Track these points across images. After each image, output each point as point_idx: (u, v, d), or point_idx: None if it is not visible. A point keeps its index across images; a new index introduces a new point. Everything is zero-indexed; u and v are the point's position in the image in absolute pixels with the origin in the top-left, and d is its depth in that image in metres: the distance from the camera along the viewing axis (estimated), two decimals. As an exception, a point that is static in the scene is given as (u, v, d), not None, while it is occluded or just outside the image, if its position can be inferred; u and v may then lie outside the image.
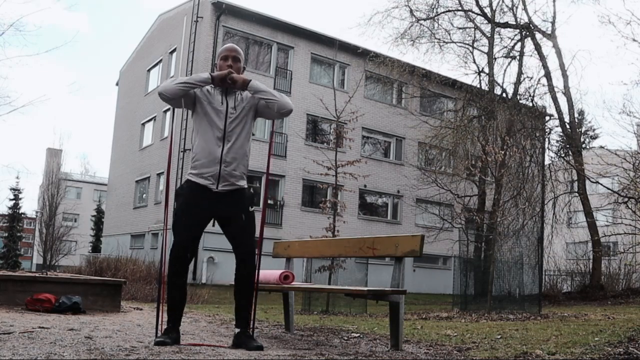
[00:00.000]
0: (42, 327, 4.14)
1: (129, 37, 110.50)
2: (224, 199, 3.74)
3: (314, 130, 25.59)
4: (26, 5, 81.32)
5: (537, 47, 20.57)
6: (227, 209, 3.75)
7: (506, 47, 21.74)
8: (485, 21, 21.61)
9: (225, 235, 3.81)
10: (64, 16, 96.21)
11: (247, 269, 3.74)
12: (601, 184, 18.65)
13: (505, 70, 27.60)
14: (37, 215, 45.72)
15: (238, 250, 3.75)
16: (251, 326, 3.78)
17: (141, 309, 6.99)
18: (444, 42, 21.94)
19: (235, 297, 3.77)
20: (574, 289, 19.10)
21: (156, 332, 3.73)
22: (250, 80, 3.79)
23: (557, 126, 21.08)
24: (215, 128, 3.74)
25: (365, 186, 24.50)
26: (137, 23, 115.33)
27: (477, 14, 21.66)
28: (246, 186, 3.86)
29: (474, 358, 3.62)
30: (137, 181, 27.59)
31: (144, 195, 26.97)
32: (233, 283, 3.81)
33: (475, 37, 22.05)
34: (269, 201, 22.84)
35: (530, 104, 20.36)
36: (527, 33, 20.93)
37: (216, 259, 21.08)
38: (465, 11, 21.88)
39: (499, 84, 21.29)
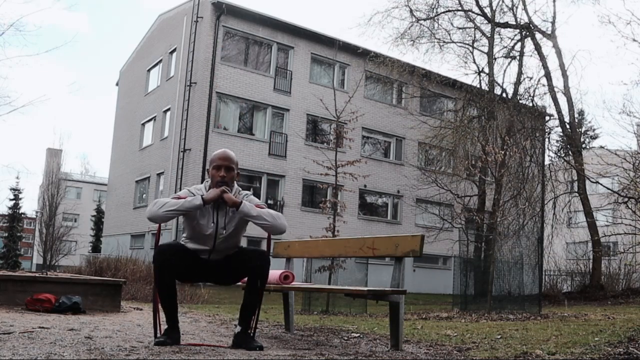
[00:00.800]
0: (42, 327, 4.14)
1: (129, 37, 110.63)
2: (217, 261, 3.81)
3: (314, 130, 25.59)
4: (26, 5, 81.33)
5: (537, 47, 20.58)
6: (219, 270, 3.83)
7: (506, 47, 21.76)
8: (485, 21, 21.62)
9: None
10: (64, 16, 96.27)
11: (263, 270, 3.72)
12: (601, 184, 18.65)
13: (505, 70, 27.64)
14: (37, 215, 45.72)
15: (249, 256, 3.77)
16: (252, 327, 3.78)
17: (141, 309, 6.98)
18: (444, 42, 21.95)
19: (244, 295, 3.76)
20: (574, 289, 19.10)
21: (155, 332, 3.73)
22: (242, 204, 3.69)
23: (557, 126, 21.10)
24: (206, 237, 3.75)
25: (365, 186, 24.49)
26: (137, 23, 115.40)
27: (477, 14, 21.67)
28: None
29: (474, 358, 3.62)
30: (137, 181, 27.58)
31: (144, 195, 26.97)
32: (238, 283, 3.82)
33: (475, 37, 22.06)
34: (269, 201, 22.84)
35: (530, 104, 20.36)
36: (527, 33, 20.93)
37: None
38: (465, 11, 21.88)
39: (499, 84, 21.30)
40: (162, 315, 3.75)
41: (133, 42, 75.66)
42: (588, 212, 19.38)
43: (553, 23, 20.87)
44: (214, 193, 3.67)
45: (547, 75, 20.24)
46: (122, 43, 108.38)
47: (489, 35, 21.42)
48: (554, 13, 22.90)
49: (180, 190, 4.00)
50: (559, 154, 22.17)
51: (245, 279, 3.78)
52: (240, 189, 3.91)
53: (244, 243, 4.22)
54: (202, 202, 3.64)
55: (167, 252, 3.65)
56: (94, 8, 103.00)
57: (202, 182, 4.13)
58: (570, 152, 20.98)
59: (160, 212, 3.60)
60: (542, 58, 20.40)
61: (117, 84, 33.03)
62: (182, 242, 3.85)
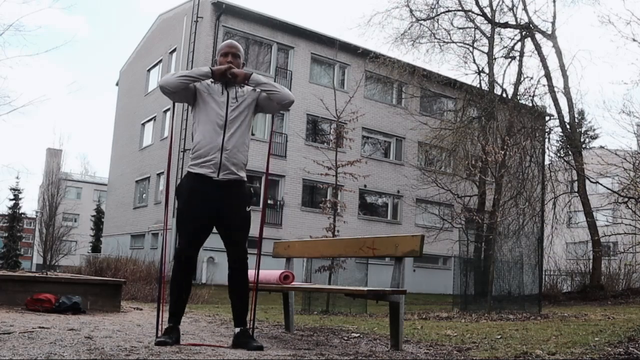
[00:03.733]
0: (42, 327, 4.14)
1: (128, 37, 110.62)
2: (225, 190, 3.72)
3: (314, 130, 25.59)
4: (26, 5, 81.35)
5: (537, 47, 20.57)
6: (227, 200, 3.72)
7: (506, 47, 21.74)
8: (485, 21, 21.61)
9: (219, 231, 3.80)
10: (62, 19, 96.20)
11: (242, 269, 3.75)
12: (601, 184, 18.65)
13: (505, 71, 27.68)
14: (37, 215, 45.72)
15: (232, 249, 3.77)
16: (251, 325, 3.78)
17: (141, 309, 6.99)
18: (444, 42, 21.94)
19: (230, 298, 3.79)
20: (574, 289, 19.09)
21: (156, 332, 3.73)
22: (252, 73, 3.81)
23: (557, 126, 21.08)
24: (216, 116, 3.74)
25: (365, 186, 24.49)
26: (136, 24, 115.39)
27: (477, 14, 21.66)
28: (246, 179, 3.85)
29: (474, 358, 3.62)
30: (137, 181, 27.59)
31: (144, 195, 26.97)
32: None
33: (475, 37, 22.05)
34: (269, 201, 22.83)
35: (530, 104, 20.35)
36: (527, 33, 20.93)
37: (216, 259, 21.06)
38: (465, 11, 21.87)
39: (499, 84, 21.29)
40: (162, 315, 3.75)
41: (132, 43, 75.74)
42: (588, 212, 19.38)
43: (553, 23, 20.87)
44: (222, 67, 3.77)
45: (547, 75, 20.23)
46: (122, 44, 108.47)
47: (489, 36, 21.41)
48: (554, 13, 22.88)
49: None
50: (559, 154, 22.16)
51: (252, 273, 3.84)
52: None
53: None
54: (211, 71, 3.74)
55: (191, 249, 3.72)
56: (91, 11, 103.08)
57: None
58: (570, 152, 20.97)
59: (172, 78, 3.71)
60: (542, 58, 20.40)
61: (117, 84, 33.04)
62: (189, 168, 3.78)
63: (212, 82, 3.82)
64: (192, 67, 22.77)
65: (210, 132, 3.73)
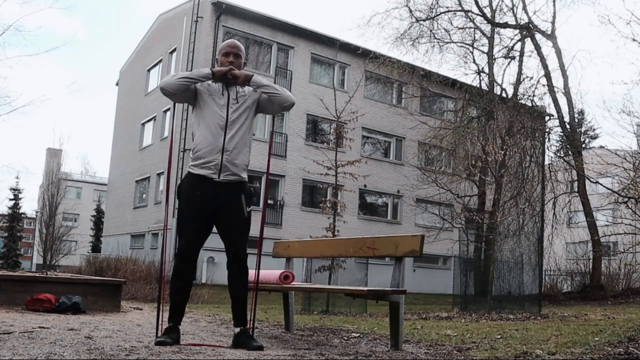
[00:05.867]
0: (42, 327, 4.14)
1: (128, 38, 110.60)
2: (225, 191, 3.71)
3: (314, 130, 25.59)
4: (26, 5, 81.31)
5: (537, 47, 20.57)
6: (228, 200, 3.72)
7: (506, 47, 21.74)
8: (485, 21, 21.61)
9: (219, 231, 3.79)
10: (62, 21, 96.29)
11: (241, 269, 3.75)
12: (601, 184, 18.64)
13: (505, 71, 27.67)
14: (37, 215, 45.73)
15: (232, 249, 3.76)
16: (251, 325, 3.78)
17: (141, 309, 6.98)
18: (443, 42, 21.93)
19: (231, 297, 3.78)
20: (574, 288, 19.09)
21: (156, 332, 3.73)
22: (253, 75, 3.79)
23: (557, 126, 21.09)
24: (217, 117, 3.74)
25: (365, 186, 24.49)
26: (136, 24, 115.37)
27: (477, 14, 21.66)
28: (246, 180, 3.85)
29: (474, 358, 3.62)
30: (137, 181, 27.59)
31: (144, 195, 26.97)
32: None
33: (475, 37, 22.06)
34: (269, 201, 22.83)
35: (530, 104, 20.36)
36: (527, 33, 20.92)
37: (216, 259, 21.06)
38: (465, 11, 21.87)
39: (498, 84, 21.30)
40: (162, 315, 3.76)
41: (132, 43, 75.74)
42: (588, 212, 19.38)
43: (553, 23, 20.87)
44: (223, 69, 3.76)
45: (547, 75, 20.23)
46: (121, 44, 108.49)
47: (489, 36, 21.42)
48: (554, 13, 22.81)
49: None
50: (559, 154, 22.17)
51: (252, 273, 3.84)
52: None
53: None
54: (211, 73, 3.73)
55: (191, 250, 3.72)
56: (91, 11, 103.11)
57: None
58: (570, 152, 20.97)
59: (173, 80, 3.70)
60: (542, 58, 20.40)
61: (117, 84, 33.04)
62: (190, 168, 3.78)
63: (212, 82, 3.82)
64: (192, 67, 22.76)
65: (211, 133, 3.72)
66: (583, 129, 30.72)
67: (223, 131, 3.72)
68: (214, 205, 3.71)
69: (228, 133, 3.72)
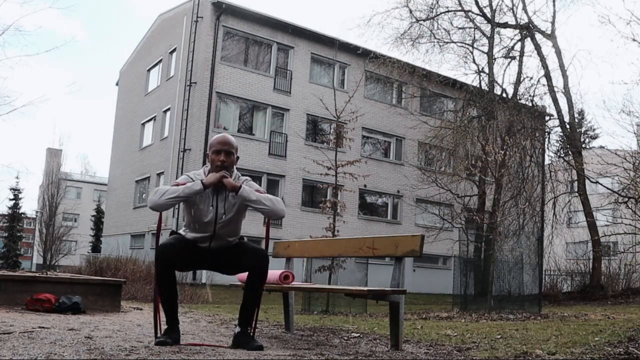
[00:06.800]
0: (42, 327, 4.14)
1: (128, 38, 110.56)
2: (218, 251, 3.83)
3: (314, 130, 25.58)
4: (26, 5, 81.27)
5: (537, 47, 20.58)
6: (221, 261, 3.85)
7: (506, 47, 21.77)
8: (485, 21, 21.62)
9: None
10: (61, 22, 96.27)
11: (261, 270, 3.72)
12: (601, 184, 18.64)
13: (505, 71, 27.68)
14: (37, 215, 45.70)
15: (252, 253, 3.77)
16: (252, 327, 3.78)
17: (141, 309, 6.98)
18: (444, 42, 21.95)
19: (244, 295, 3.77)
20: (574, 288, 19.10)
21: (156, 332, 3.73)
22: (241, 188, 3.70)
23: (557, 126, 21.10)
24: (208, 214, 3.75)
25: (365, 186, 24.48)
26: (136, 24, 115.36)
27: (477, 14, 21.67)
28: (241, 239, 3.93)
29: (474, 358, 3.62)
30: (137, 181, 27.58)
31: (144, 195, 26.95)
32: (234, 283, 3.82)
33: (475, 37, 22.07)
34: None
35: (530, 104, 20.36)
36: (527, 33, 20.93)
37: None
38: (465, 11, 21.88)
39: (499, 84, 21.31)
40: (162, 315, 3.75)
41: (131, 43, 75.74)
42: (588, 212, 19.38)
43: (553, 23, 20.88)
44: (214, 177, 3.69)
45: (547, 75, 20.24)
46: (121, 44, 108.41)
47: (489, 36, 21.42)
48: (554, 13, 22.95)
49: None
50: (559, 154, 22.18)
51: (245, 276, 3.79)
52: (240, 174, 3.92)
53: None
54: (202, 186, 3.67)
55: (169, 252, 3.65)
56: (90, 11, 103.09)
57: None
58: (570, 152, 20.97)
59: (161, 201, 3.63)
60: (542, 58, 20.41)
61: (117, 84, 33.03)
62: (182, 232, 3.86)
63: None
64: (191, 68, 22.75)
65: (201, 225, 3.77)
66: (583, 129, 30.72)
67: (213, 226, 3.76)
68: (205, 259, 3.84)
69: (218, 224, 3.76)
